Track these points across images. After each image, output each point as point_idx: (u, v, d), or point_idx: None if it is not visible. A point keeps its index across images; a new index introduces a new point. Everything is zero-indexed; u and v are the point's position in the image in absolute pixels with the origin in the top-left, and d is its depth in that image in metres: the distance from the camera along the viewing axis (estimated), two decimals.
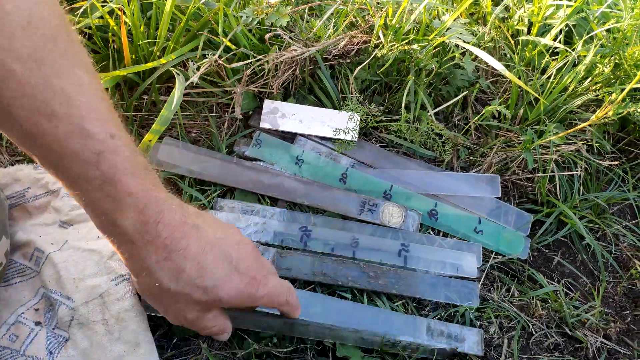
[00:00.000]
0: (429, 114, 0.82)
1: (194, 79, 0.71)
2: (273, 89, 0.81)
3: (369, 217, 0.81)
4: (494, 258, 0.83)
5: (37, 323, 0.66)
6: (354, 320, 0.72)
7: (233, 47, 0.78)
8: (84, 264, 0.67)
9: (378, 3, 0.82)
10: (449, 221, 0.84)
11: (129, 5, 0.76)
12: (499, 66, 0.73)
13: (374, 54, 0.80)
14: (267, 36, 0.76)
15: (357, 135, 0.84)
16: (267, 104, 0.84)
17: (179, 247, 0.51)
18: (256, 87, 0.82)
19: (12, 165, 0.78)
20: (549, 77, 0.87)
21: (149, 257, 0.51)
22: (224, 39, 0.75)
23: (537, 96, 0.77)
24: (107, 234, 0.52)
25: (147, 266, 0.51)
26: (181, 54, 0.77)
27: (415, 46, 0.78)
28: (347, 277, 0.75)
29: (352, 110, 0.82)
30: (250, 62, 0.79)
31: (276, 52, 0.77)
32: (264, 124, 0.84)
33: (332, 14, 0.82)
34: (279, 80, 0.80)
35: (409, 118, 0.84)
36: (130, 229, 0.49)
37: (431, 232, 0.83)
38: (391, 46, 0.78)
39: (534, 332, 0.78)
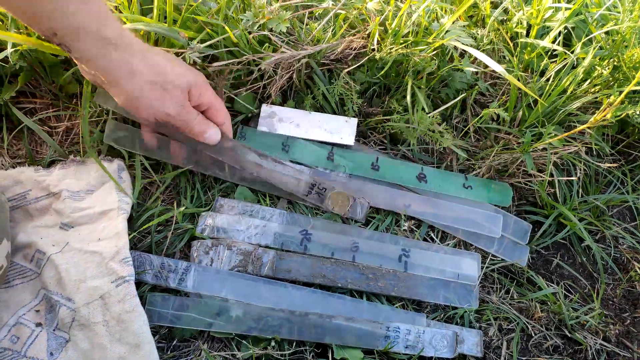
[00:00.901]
0: (429, 114, 0.83)
1: (190, 55, 0.72)
2: (271, 93, 0.81)
3: (315, 200, 0.82)
4: (491, 260, 0.83)
5: (38, 324, 0.66)
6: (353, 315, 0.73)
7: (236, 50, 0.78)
8: (85, 265, 0.68)
9: (378, 11, 0.82)
10: (438, 181, 0.86)
11: (129, 8, 0.76)
12: (498, 68, 0.74)
13: (372, 56, 0.81)
14: (252, 36, 0.76)
15: (353, 140, 0.84)
16: (265, 109, 0.85)
17: (149, 50, 0.66)
18: (253, 90, 0.82)
19: (14, 167, 0.78)
20: (547, 80, 0.87)
21: (133, 58, 0.63)
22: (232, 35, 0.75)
23: (536, 97, 0.77)
24: (95, 52, 0.61)
25: (133, 66, 0.63)
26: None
27: (414, 49, 0.78)
28: (347, 279, 0.75)
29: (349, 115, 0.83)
30: (248, 65, 0.79)
31: (272, 54, 0.77)
32: (261, 127, 0.84)
33: (330, 18, 0.82)
34: (277, 85, 0.80)
35: (408, 118, 0.84)
36: (115, 37, 0.61)
37: (431, 233, 0.84)
38: (390, 49, 0.78)
39: (533, 334, 0.78)
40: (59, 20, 0.57)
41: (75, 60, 0.65)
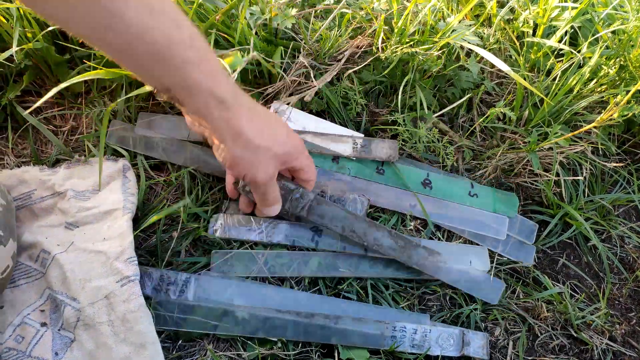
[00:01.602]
0: (433, 116, 0.82)
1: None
2: (279, 95, 0.81)
3: None
4: (498, 260, 0.82)
5: (43, 324, 0.66)
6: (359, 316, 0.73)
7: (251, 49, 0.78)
8: (89, 265, 0.67)
9: (384, 10, 0.82)
10: (444, 188, 0.85)
11: None
12: (505, 67, 0.73)
13: (377, 55, 0.80)
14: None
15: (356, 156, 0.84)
16: (276, 105, 0.84)
17: (257, 112, 0.65)
18: (260, 89, 0.82)
19: (19, 167, 0.78)
20: (554, 79, 0.87)
21: (241, 119, 0.62)
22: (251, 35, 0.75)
23: (543, 97, 0.77)
24: (206, 110, 0.61)
25: (240, 127, 0.63)
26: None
27: (419, 48, 0.78)
28: (375, 240, 0.75)
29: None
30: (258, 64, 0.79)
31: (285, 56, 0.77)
32: None
33: (336, 17, 0.82)
34: (288, 90, 0.80)
35: (415, 117, 0.84)
36: (227, 96, 0.60)
37: (437, 233, 0.83)
38: (395, 48, 0.78)
39: (539, 334, 0.78)
40: (174, 78, 0.57)
41: (180, 108, 0.64)
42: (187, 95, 0.59)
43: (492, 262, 0.82)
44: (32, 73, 0.80)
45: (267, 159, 0.67)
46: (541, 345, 0.78)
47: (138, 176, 0.78)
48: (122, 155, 0.79)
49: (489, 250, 0.83)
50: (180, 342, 0.70)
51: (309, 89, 0.79)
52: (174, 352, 0.69)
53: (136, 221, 0.75)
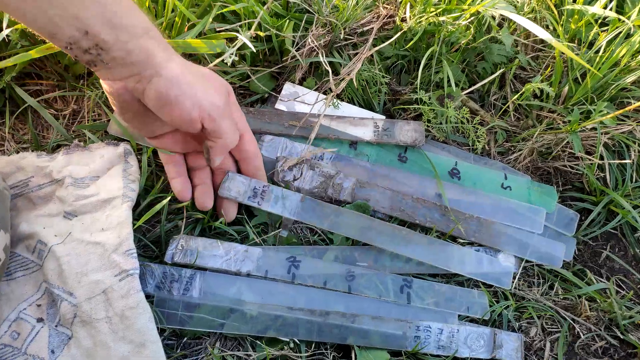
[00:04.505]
0: (462, 93, 0.76)
1: (229, 57, 0.66)
2: (294, 76, 0.76)
3: None
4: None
5: (39, 320, 0.63)
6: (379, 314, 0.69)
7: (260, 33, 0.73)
8: (87, 257, 0.64)
9: None
10: (473, 178, 0.79)
11: None
12: (544, 34, 0.67)
13: (400, 26, 0.74)
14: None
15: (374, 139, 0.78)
16: (288, 87, 0.79)
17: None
18: (273, 68, 0.77)
19: (18, 153, 0.75)
20: (597, 51, 0.82)
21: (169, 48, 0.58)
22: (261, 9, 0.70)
23: (588, 67, 0.70)
24: (143, 53, 0.55)
25: (184, 61, 0.59)
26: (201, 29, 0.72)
27: (446, 17, 0.71)
28: (426, 217, 0.74)
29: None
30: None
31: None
32: (279, 106, 0.78)
33: None
34: (302, 70, 0.75)
35: (441, 95, 0.78)
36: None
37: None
38: (419, 18, 0.72)
39: (580, 335, 0.73)
40: (92, 11, 0.50)
41: (101, 72, 0.56)
42: (106, 30, 0.51)
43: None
44: None
45: (214, 80, 0.62)
46: (582, 348, 0.73)
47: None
48: (125, 140, 0.75)
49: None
50: (184, 339, 0.66)
51: (327, 71, 0.73)
52: (178, 350, 0.66)
53: (138, 207, 0.70)
